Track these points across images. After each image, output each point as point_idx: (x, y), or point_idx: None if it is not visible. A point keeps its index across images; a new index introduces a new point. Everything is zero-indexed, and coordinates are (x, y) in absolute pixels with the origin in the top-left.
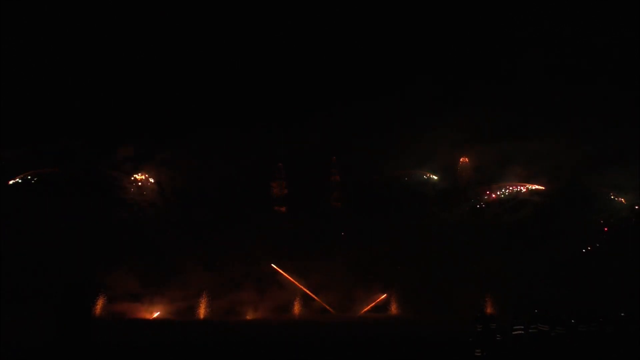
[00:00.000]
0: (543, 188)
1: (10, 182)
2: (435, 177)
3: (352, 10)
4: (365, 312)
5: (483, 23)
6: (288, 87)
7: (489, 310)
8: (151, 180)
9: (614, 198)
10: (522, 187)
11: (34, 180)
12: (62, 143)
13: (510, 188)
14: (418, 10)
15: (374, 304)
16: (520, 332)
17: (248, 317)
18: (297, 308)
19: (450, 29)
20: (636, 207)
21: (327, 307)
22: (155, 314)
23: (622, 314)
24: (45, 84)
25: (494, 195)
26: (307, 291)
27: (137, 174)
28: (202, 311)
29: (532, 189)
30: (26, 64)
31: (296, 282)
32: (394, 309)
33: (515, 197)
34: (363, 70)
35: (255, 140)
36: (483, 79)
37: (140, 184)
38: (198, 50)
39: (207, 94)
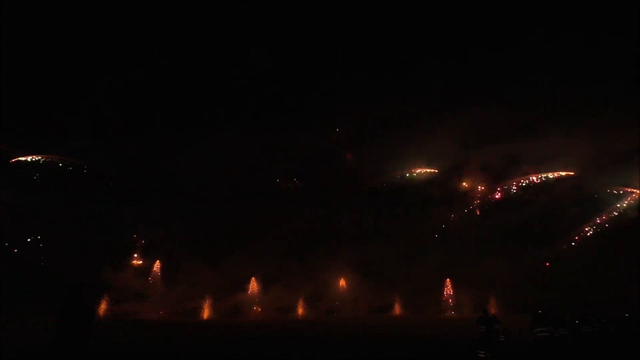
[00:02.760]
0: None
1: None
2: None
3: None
4: (368, 312)
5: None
6: (295, 87)
7: (492, 310)
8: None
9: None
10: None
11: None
12: (69, 143)
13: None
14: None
15: (378, 304)
16: (545, 334)
17: (251, 318)
18: (300, 309)
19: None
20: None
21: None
22: (160, 315)
23: (626, 315)
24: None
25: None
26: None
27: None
28: (206, 312)
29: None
30: (30, 65)
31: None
32: (397, 309)
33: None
34: (370, 70)
35: (262, 141)
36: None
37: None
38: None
39: (214, 94)
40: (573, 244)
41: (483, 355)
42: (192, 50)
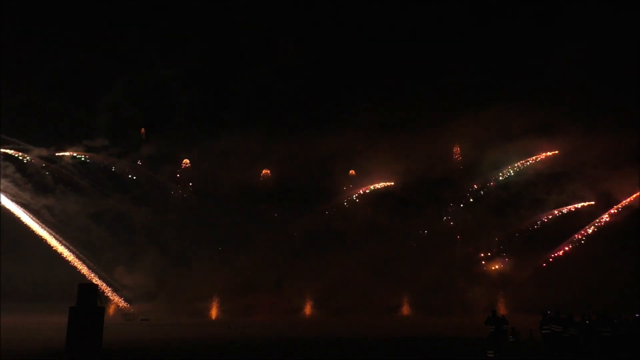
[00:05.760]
0: None
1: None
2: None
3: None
4: (378, 312)
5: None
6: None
7: (501, 311)
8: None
9: None
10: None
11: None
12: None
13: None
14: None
15: (387, 304)
16: (547, 331)
17: (260, 318)
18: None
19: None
20: None
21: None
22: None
23: (637, 315)
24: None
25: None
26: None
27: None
28: (215, 312)
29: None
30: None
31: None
32: (406, 309)
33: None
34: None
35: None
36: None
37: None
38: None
39: (228, 94)
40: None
41: (492, 355)
42: (208, 51)
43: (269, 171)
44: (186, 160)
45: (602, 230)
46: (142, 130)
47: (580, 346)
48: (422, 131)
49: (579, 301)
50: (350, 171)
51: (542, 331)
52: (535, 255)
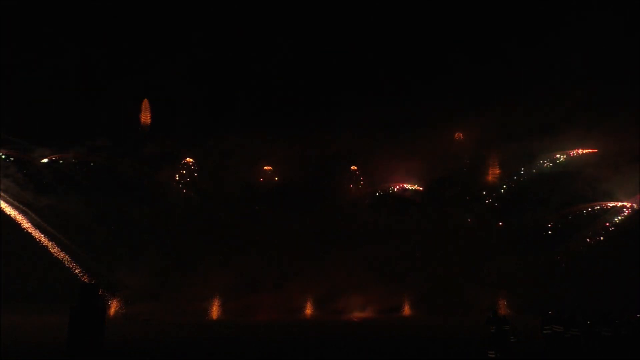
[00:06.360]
0: None
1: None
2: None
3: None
4: (378, 313)
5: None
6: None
7: (502, 311)
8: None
9: None
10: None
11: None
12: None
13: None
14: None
15: (387, 304)
16: (548, 331)
17: (261, 318)
18: (309, 310)
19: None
20: None
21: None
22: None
23: (638, 316)
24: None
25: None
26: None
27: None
28: (216, 312)
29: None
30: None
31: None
32: (406, 309)
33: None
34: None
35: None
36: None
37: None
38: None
39: (230, 93)
40: (588, 241)
41: (493, 356)
42: (209, 50)
43: (270, 167)
44: (189, 159)
45: (606, 229)
46: (144, 129)
47: (582, 347)
48: (426, 131)
49: (580, 301)
50: (352, 167)
51: (544, 331)
52: (537, 255)
